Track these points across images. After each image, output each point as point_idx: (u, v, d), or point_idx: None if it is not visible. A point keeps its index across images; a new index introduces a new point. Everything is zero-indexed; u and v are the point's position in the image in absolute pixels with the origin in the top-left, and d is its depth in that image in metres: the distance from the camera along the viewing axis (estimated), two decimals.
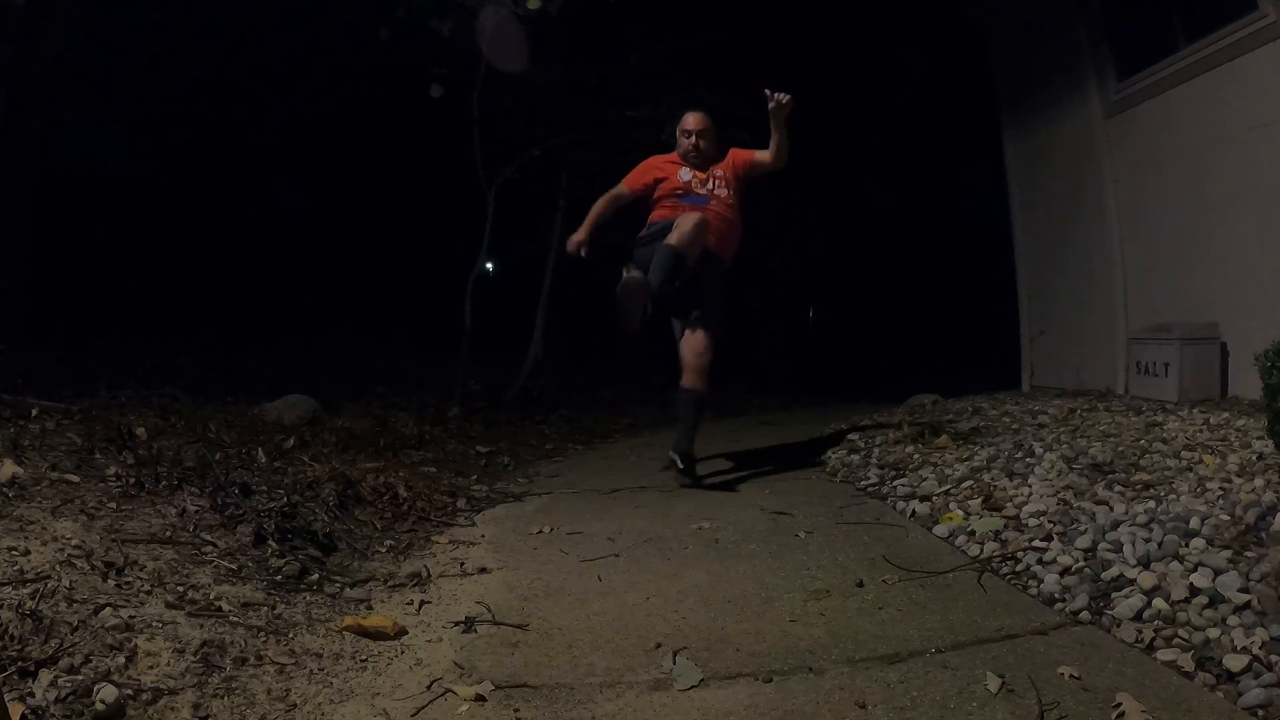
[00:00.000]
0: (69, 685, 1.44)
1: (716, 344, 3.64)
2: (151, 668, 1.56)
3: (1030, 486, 2.75)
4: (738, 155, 3.80)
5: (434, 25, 5.60)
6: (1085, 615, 1.86)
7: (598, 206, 3.79)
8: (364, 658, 1.79)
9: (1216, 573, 1.86)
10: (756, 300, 11.49)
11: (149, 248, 10.40)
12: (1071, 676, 1.56)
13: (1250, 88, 4.30)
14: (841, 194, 11.85)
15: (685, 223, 3.42)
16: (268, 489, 2.71)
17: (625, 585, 2.26)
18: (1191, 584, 1.84)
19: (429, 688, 1.65)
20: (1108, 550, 2.10)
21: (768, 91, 3.43)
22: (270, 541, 2.30)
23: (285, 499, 2.61)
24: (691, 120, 3.78)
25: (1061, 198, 6.16)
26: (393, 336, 10.68)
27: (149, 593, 1.83)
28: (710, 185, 3.72)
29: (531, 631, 1.95)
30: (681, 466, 3.54)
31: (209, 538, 2.23)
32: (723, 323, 3.73)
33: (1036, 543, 2.26)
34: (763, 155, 3.72)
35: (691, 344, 3.63)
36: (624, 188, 3.82)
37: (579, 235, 3.72)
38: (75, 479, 2.40)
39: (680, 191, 3.71)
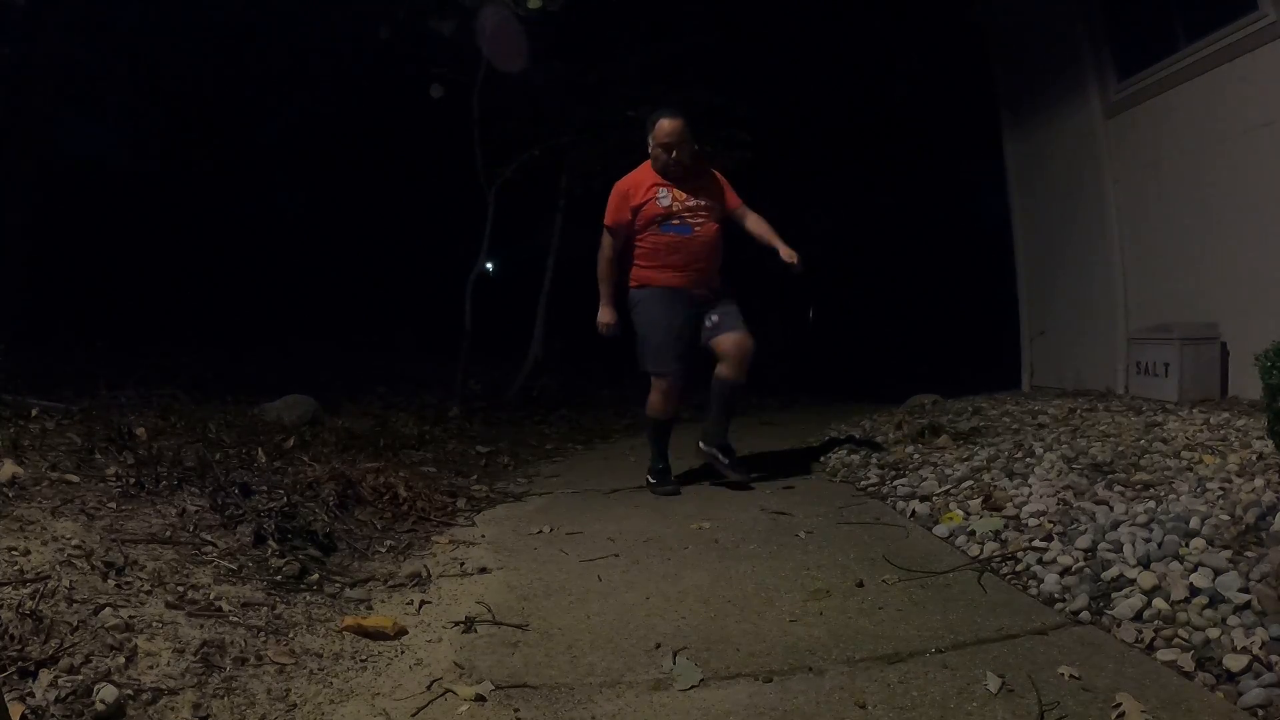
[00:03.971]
0: (69, 685, 1.43)
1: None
2: (151, 668, 1.56)
3: (1030, 486, 2.75)
4: (725, 187, 3.55)
5: (434, 25, 5.60)
6: (1085, 615, 1.86)
7: (605, 271, 3.50)
8: (364, 658, 1.79)
9: (1216, 573, 1.86)
10: (757, 300, 11.48)
11: (149, 248, 10.41)
12: (1071, 676, 1.56)
13: (1250, 88, 4.30)
14: (842, 194, 11.87)
15: (733, 349, 3.39)
16: (268, 489, 2.70)
17: (625, 585, 2.26)
18: (1191, 584, 1.84)
19: (429, 688, 1.65)
20: (1108, 550, 2.10)
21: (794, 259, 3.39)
22: (270, 541, 2.30)
23: (285, 499, 2.61)
24: (667, 129, 3.36)
25: (1061, 198, 6.16)
26: (393, 337, 10.69)
27: (149, 593, 1.83)
28: (693, 206, 3.43)
29: (531, 631, 1.95)
30: (726, 461, 3.52)
31: (209, 538, 2.23)
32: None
33: (1036, 543, 2.26)
34: (745, 215, 3.54)
35: (735, 339, 3.43)
36: (610, 236, 3.51)
37: (607, 318, 3.49)
38: (75, 479, 2.40)
39: (660, 218, 3.41)
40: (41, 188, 7.20)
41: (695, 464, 3.76)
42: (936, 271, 12.15)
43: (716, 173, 3.60)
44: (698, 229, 3.44)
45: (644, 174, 3.49)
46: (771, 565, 2.36)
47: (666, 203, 3.42)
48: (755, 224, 3.54)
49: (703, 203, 3.46)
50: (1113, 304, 5.52)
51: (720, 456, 3.52)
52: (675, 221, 3.42)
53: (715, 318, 3.47)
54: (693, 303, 3.47)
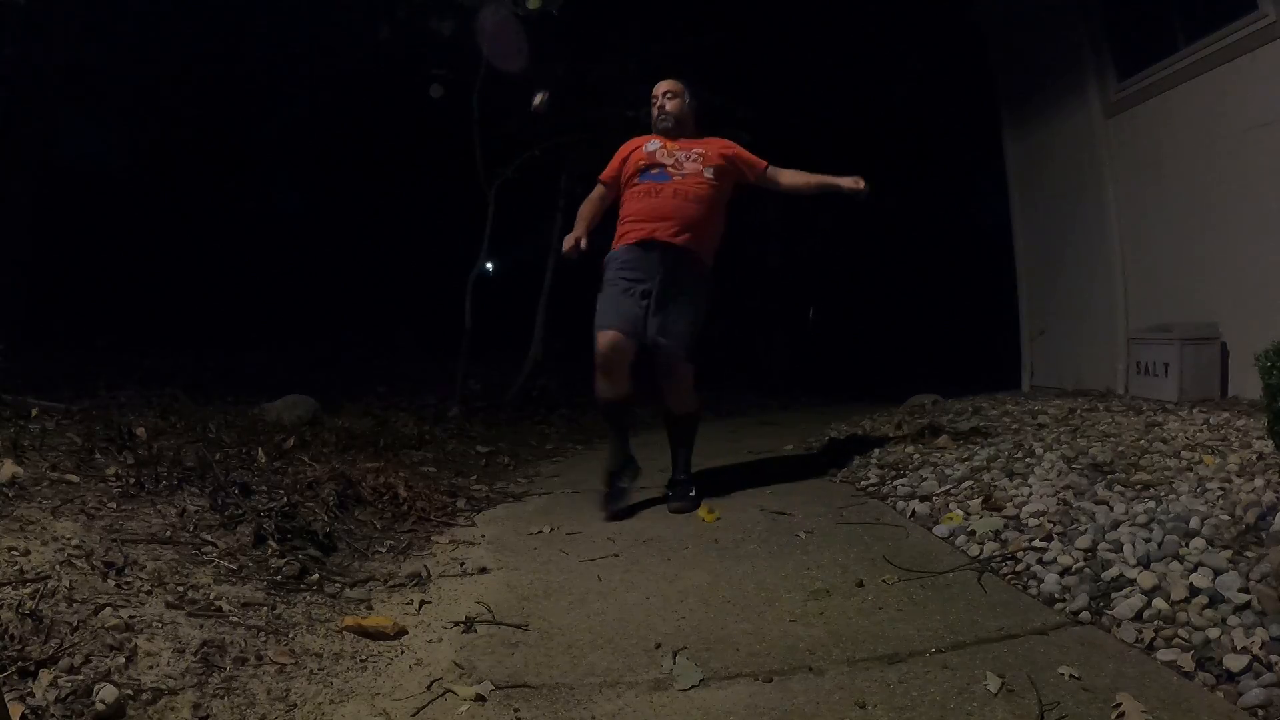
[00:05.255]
0: (69, 685, 1.44)
1: (692, 364, 3.12)
2: (151, 668, 1.56)
3: (1030, 486, 2.75)
4: (740, 153, 3.32)
5: (434, 25, 5.60)
6: (1085, 615, 1.86)
7: (583, 210, 3.38)
8: (364, 658, 1.79)
9: (1216, 573, 1.86)
10: (756, 299, 11.49)
11: (149, 248, 10.43)
12: (1071, 676, 1.56)
13: (1250, 88, 4.30)
14: (841, 193, 11.86)
15: (662, 378, 3.02)
16: (268, 489, 2.70)
17: (625, 585, 2.26)
18: (1191, 584, 1.84)
19: (429, 688, 1.65)
20: (1108, 550, 2.10)
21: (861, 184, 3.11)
22: (270, 541, 2.30)
23: (285, 499, 2.61)
24: (659, 85, 3.34)
25: (1061, 198, 6.16)
26: (393, 337, 10.69)
27: (149, 593, 1.83)
28: (679, 158, 3.20)
29: (531, 631, 1.95)
30: (670, 493, 3.20)
31: (209, 538, 2.23)
32: (698, 338, 3.15)
33: (1036, 543, 2.26)
34: (778, 174, 3.27)
35: (661, 373, 3.11)
36: (601, 182, 3.41)
37: (576, 232, 3.26)
38: (75, 479, 2.40)
39: (644, 166, 3.22)
40: (42, 188, 7.20)
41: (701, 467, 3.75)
42: (937, 272, 12.15)
43: (727, 143, 3.34)
44: (678, 178, 3.16)
45: (644, 135, 3.42)
46: (771, 565, 2.36)
47: (653, 148, 3.26)
48: (793, 177, 3.27)
49: (695, 157, 3.20)
50: (1113, 304, 5.52)
51: (668, 491, 3.23)
52: (655, 170, 3.20)
53: (656, 321, 3.05)
54: (665, 259, 3.08)
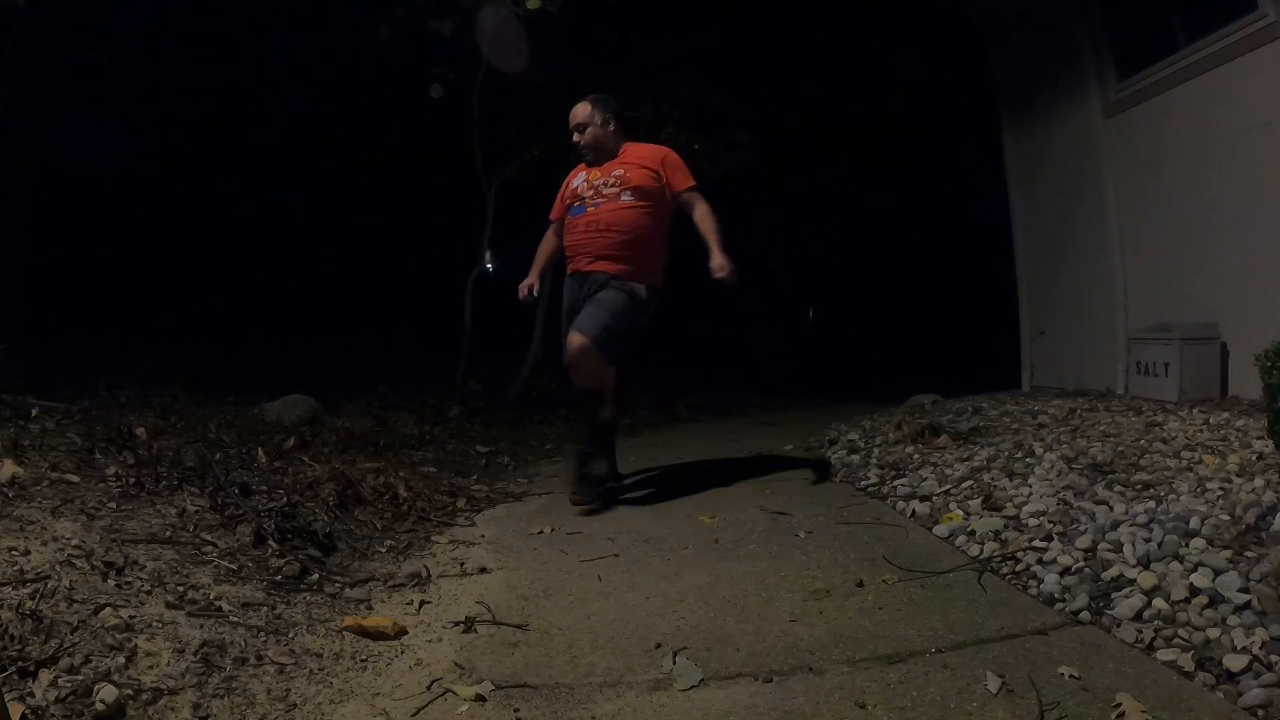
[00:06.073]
0: (69, 685, 1.44)
1: (602, 354, 3.08)
2: (151, 668, 1.56)
3: (1030, 486, 2.75)
4: (667, 165, 3.24)
5: (434, 25, 5.61)
6: (1085, 615, 1.86)
7: (540, 251, 3.55)
8: (364, 658, 1.79)
9: (1216, 573, 1.86)
10: (756, 300, 11.48)
11: (149, 248, 10.42)
12: (1071, 676, 1.56)
13: (1250, 88, 4.30)
14: (842, 194, 11.87)
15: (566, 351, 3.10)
16: (268, 489, 2.70)
17: (625, 585, 2.26)
18: (1191, 584, 1.84)
19: (429, 688, 1.66)
20: (1108, 550, 2.10)
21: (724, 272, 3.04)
22: (270, 541, 2.30)
23: (285, 499, 2.61)
24: (571, 114, 3.32)
25: (1061, 198, 6.16)
26: (393, 337, 10.68)
27: (149, 593, 1.83)
28: (598, 186, 3.21)
29: (531, 631, 1.95)
30: (572, 476, 3.18)
31: (209, 538, 2.23)
32: (614, 334, 3.11)
33: (1036, 543, 2.26)
34: (694, 204, 3.20)
35: (569, 339, 3.12)
36: (550, 221, 3.52)
37: (529, 279, 3.48)
38: (75, 479, 2.40)
39: (570, 204, 3.32)
40: (42, 187, 7.20)
41: (703, 466, 3.76)
42: (936, 271, 12.15)
43: (656, 152, 3.31)
44: (593, 208, 3.20)
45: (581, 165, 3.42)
46: (771, 565, 2.36)
47: (577, 184, 3.32)
48: (699, 218, 3.19)
49: (613, 181, 3.20)
50: (1113, 304, 5.52)
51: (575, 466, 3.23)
52: (577, 204, 3.28)
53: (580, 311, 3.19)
54: (585, 285, 3.23)
